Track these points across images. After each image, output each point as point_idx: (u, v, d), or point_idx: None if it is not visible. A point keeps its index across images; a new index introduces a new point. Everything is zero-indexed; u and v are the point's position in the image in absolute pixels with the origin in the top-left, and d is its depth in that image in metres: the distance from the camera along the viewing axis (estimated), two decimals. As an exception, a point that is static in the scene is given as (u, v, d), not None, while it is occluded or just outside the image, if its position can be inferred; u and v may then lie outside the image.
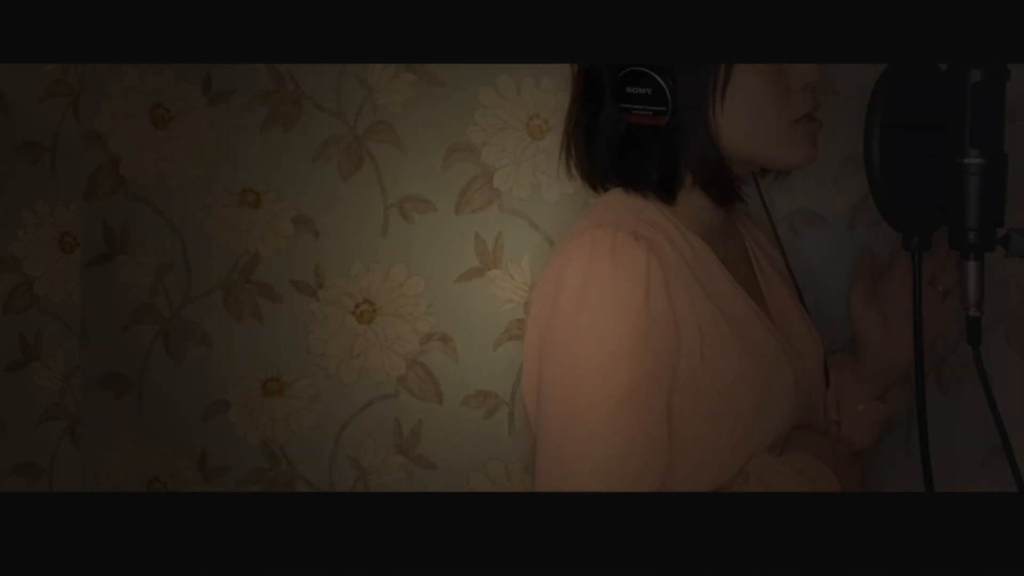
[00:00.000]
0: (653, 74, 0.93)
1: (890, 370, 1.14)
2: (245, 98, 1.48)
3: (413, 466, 1.50)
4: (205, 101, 1.50)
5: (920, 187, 0.93)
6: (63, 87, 1.56)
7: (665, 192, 0.99)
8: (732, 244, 1.08)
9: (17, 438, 1.63)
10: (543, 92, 1.40)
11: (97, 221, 1.55)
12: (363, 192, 1.47)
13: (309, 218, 1.49)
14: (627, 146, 0.98)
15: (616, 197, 1.01)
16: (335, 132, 1.47)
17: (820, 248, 1.36)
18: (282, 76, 1.47)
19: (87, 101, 1.53)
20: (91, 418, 1.59)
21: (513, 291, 1.45)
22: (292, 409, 1.53)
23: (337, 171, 1.47)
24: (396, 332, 1.48)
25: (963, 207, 0.92)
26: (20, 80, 1.57)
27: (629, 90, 0.94)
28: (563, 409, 0.93)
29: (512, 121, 1.42)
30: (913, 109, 0.91)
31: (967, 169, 0.91)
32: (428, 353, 1.48)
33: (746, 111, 0.94)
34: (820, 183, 1.35)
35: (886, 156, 0.90)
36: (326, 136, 1.47)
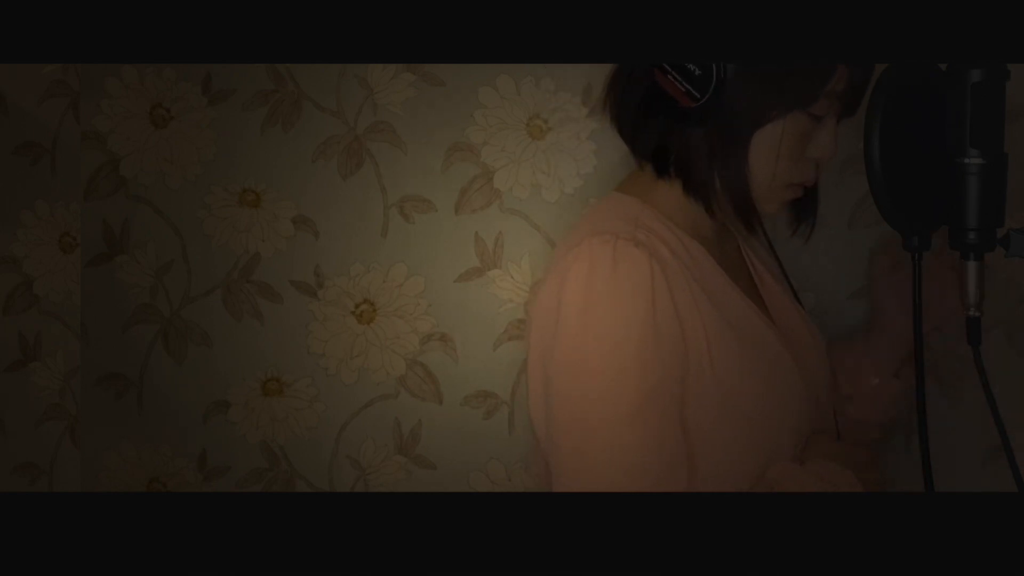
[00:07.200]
0: (715, 64, 0.90)
1: (904, 344, 1.14)
2: (245, 98, 1.48)
3: (413, 466, 1.50)
4: (205, 101, 1.50)
5: (920, 187, 0.93)
6: (63, 87, 1.56)
7: (658, 165, 0.98)
8: (728, 247, 1.07)
9: (17, 438, 1.63)
10: (543, 92, 1.40)
11: (97, 221, 1.55)
12: (363, 192, 1.47)
13: (309, 218, 1.49)
14: (644, 104, 0.97)
15: (612, 202, 1.00)
16: (335, 132, 1.47)
17: (820, 248, 1.36)
18: (282, 76, 1.47)
19: (87, 101, 1.53)
20: (91, 418, 1.59)
21: (513, 291, 1.45)
22: (292, 409, 1.53)
23: (337, 171, 1.47)
24: (396, 332, 1.48)
25: (963, 207, 0.92)
26: (20, 80, 1.56)
27: None
28: (575, 427, 0.90)
29: (512, 121, 1.42)
30: (913, 109, 0.91)
31: (967, 169, 0.91)
32: (428, 353, 1.48)
33: (764, 153, 0.94)
34: (820, 183, 1.35)
35: (886, 156, 0.90)
36: (326, 136, 1.47)
